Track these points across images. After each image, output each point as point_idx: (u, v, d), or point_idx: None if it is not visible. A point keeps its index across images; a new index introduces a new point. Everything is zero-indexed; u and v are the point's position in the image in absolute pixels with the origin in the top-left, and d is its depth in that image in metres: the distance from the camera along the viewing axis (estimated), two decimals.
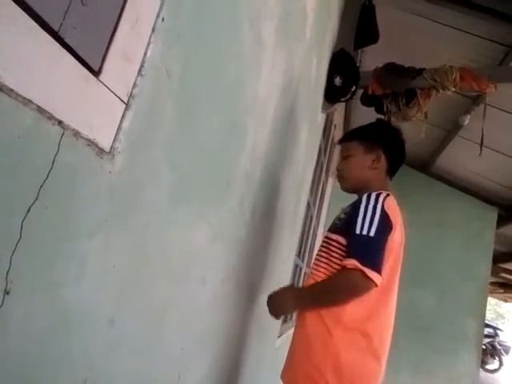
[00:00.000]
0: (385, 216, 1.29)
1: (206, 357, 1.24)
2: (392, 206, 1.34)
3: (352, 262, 1.22)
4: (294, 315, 3.89)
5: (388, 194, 1.36)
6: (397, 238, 1.34)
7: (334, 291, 1.33)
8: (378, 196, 1.32)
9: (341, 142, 1.63)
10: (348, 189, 1.54)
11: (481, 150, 2.85)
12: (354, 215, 1.30)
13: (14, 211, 0.45)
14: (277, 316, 1.48)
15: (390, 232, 1.30)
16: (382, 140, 1.52)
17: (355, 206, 1.33)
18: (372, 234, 1.25)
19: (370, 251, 1.26)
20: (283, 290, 1.50)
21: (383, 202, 1.30)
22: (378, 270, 1.23)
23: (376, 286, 1.23)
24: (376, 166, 1.48)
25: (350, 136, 1.59)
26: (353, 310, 1.29)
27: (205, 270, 1.09)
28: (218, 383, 1.40)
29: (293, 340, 1.46)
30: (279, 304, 1.45)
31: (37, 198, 0.47)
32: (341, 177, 1.56)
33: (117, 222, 0.65)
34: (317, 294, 1.38)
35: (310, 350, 1.32)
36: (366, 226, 1.26)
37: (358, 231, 1.26)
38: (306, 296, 1.43)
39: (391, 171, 1.53)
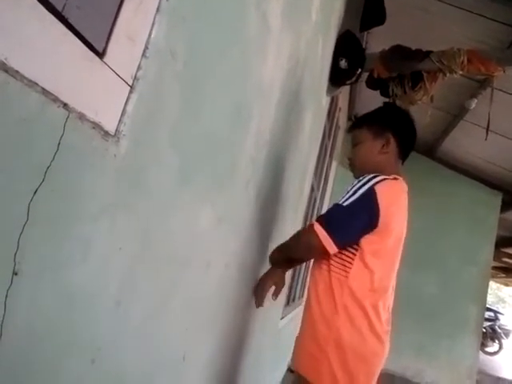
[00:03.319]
0: (369, 195, 1.29)
1: (211, 338, 1.26)
2: (387, 189, 1.32)
3: (312, 222, 1.34)
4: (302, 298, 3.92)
5: (395, 178, 1.36)
6: (394, 220, 1.34)
7: (294, 244, 1.46)
8: (372, 177, 1.32)
9: (350, 130, 1.61)
10: (360, 176, 1.52)
11: (487, 134, 2.82)
12: None
13: (21, 193, 0.46)
14: (262, 292, 1.56)
15: (372, 212, 1.29)
16: (391, 123, 1.50)
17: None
18: (345, 203, 1.30)
19: (331, 216, 1.35)
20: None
21: (375, 183, 1.30)
22: (332, 234, 1.29)
23: (322, 245, 1.30)
24: (386, 150, 1.46)
25: (358, 123, 1.57)
26: (357, 285, 1.32)
27: (209, 253, 1.09)
28: (222, 364, 1.43)
29: (301, 321, 1.48)
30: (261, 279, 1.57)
31: (43, 181, 0.47)
32: (352, 165, 1.55)
33: (122, 205, 0.65)
34: (283, 246, 1.53)
35: (313, 331, 1.35)
36: (344, 198, 1.32)
37: (337, 201, 1.34)
38: (275, 251, 1.56)
39: (403, 154, 1.51)
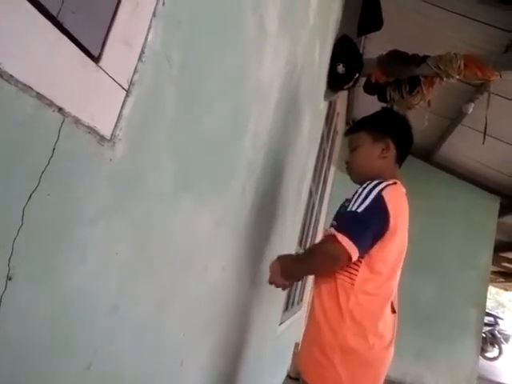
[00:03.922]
0: (379, 201, 1.28)
1: (209, 342, 1.25)
2: (393, 194, 1.33)
3: (331, 231, 1.28)
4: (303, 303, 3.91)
5: (395, 183, 1.37)
6: (399, 225, 1.34)
7: (313, 257, 1.40)
8: (377, 183, 1.32)
9: (348, 133, 1.60)
10: (358, 180, 1.49)
11: (484, 138, 2.83)
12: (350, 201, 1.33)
13: (16, 198, 0.46)
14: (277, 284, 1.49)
15: (384, 217, 1.29)
16: (390, 128, 1.50)
17: (354, 194, 1.35)
18: (359, 210, 1.27)
19: (350, 223, 1.30)
20: (278, 260, 1.51)
21: (381, 189, 1.30)
22: (355, 242, 1.24)
23: (349, 254, 1.24)
24: (385, 155, 1.47)
25: (356, 127, 1.56)
26: (362, 292, 1.31)
27: (207, 257, 1.09)
28: (220, 369, 1.42)
29: (305, 328, 1.47)
30: (273, 273, 1.48)
31: (38, 185, 0.47)
32: (350, 169, 1.54)
33: (118, 209, 0.65)
34: (301, 260, 1.48)
35: (319, 338, 1.34)
36: (356, 204, 1.29)
37: (348, 209, 1.31)
38: (293, 264, 1.48)
39: (400, 159, 1.52)
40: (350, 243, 1.24)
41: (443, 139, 5.14)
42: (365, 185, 1.33)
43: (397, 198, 1.35)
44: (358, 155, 1.51)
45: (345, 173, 1.63)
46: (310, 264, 1.41)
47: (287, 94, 1.68)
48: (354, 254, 1.25)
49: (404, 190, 1.42)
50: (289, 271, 1.45)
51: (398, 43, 3.01)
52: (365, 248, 1.29)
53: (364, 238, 1.28)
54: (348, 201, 1.42)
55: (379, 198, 1.28)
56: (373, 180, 1.35)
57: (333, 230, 1.27)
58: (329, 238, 1.28)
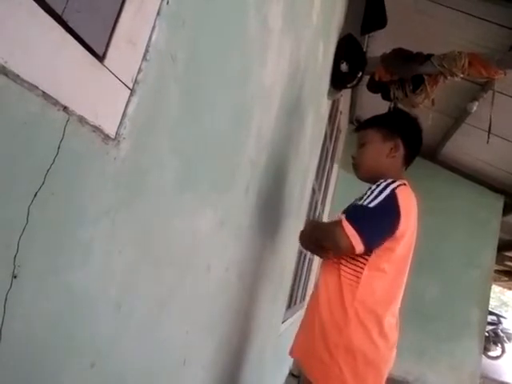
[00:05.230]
0: (392, 199, 1.28)
1: (211, 342, 1.25)
2: (404, 195, 1.32)
3: (341, 216, 1.29)
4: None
5: (404, 184, 1.36)
6: (409, 227, 1.33)
7: (325, 233, 1.40)
8: (391, 182, 1.31)
9: (358, 129, 1.60)
10: (364, 177, 1.51)
11: (488, 137, 2.82)
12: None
13: (21, 196, 0.46)
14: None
15: (395, 216, 1.29)
16: (401, 128, 1.49)
17: (366, 191, 1.34)
18: (371, 205, 1.27)
19: (360, 216, 1.30)
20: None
21: (395, 188, 1.30)
22: (361, 234, 1.25)
23: (351, 244, 1.25)
24: (394, 154, 1.46)
25: (367, 124, 1.56)
26: (368, 291, 1.31)
27: (210, 256, 1.09)
28: (222, 368, 1.42)
29: (306, 323, 1.47)
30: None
31: (43, 184, 0.47)
32: (357, 164, 1.54)
33: (122, 208, 0.65)
34: (317, 232, 1.49)
35: (324, 338, 1.34)
36: (368, 200, 1.29)
37: (360, 203, 1.31)
38: (311, 230, 1.55)
39: (407, 160, 1.51)
40: (355, 234, 1.25)
41: (447, 138, 5.12)
42: (378, 182, 1.33)
43: (407, 200, 1.34)
44: (366, 152, 1.51)
45: (349, 172, 1.63)
46: (322, 236, 1.41)
47: (290, 93, 1.68)
48: (358, 245, 1.25)
49: (412, 192, 1.42)
50: (304, 236, 1.55)
51: (402, 41, 2.99)
52: (371, 242, 1.29)
53: (371, 233, 1.28)
54: (358, 199, 1.42)
55: (393, 196, 1.28)
56: (385, 179, 1.34)
57: (342, 217, 1.28)
58: (337, 223, 1.29)
